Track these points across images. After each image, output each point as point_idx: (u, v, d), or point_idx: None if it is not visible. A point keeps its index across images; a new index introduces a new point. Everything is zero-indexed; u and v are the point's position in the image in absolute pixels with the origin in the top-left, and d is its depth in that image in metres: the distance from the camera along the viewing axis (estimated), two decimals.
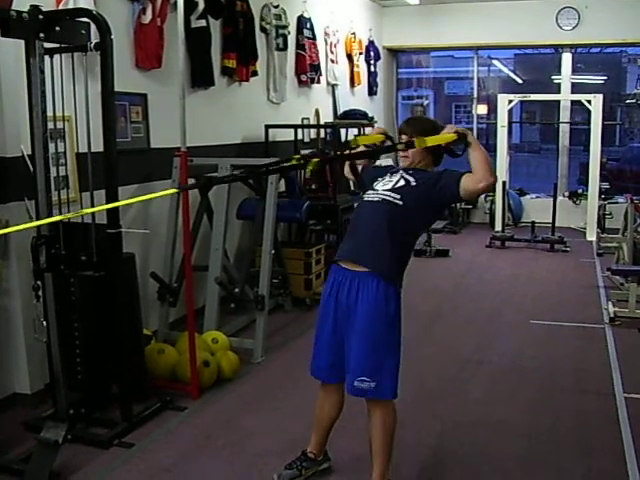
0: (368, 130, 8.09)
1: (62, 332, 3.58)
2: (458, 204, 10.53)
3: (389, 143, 3.17)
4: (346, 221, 6.64)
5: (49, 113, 3.44)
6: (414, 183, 2.95)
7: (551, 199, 9.09)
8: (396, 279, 2.95)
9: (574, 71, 10.79)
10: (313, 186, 6.64)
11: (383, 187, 2.99)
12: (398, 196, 2.92)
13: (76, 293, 3.67)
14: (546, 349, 5.17)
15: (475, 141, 2.90)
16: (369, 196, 3.02)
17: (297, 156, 2.98)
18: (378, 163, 4.17)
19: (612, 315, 5.70)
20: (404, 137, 3.05)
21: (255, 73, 6.57)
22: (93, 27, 3.45)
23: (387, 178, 3.03)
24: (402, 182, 2.97)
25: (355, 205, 2.98)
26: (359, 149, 3.26)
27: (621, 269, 6.44)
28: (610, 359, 4.88)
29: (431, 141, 2.92)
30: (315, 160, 2.82)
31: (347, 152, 3.24)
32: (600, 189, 9.56)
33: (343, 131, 8.16)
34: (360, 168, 3.29)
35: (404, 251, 3.00)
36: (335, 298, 2.97)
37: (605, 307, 6.04)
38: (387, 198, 2.93)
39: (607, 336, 5.39)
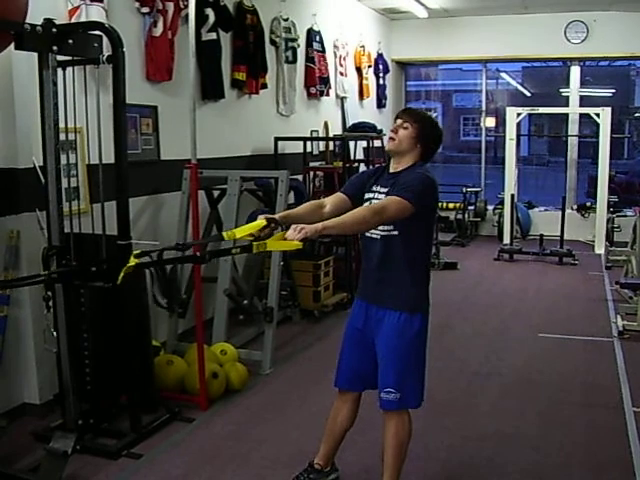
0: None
1: (72, 342, 3.60)
2: (467, 217, 10.54)
3: (273, 226, 2.72)
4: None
5: (61, 125, 3.47)
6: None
7: (559, 212, 9.07)
8: (421, 303, 2.99)
9: (582, 84, 10.80)
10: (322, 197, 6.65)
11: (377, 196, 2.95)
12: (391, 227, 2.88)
13: (86, 304, 3.69)
14: (555, 362, 5.16)
15: (331, 225, 2.63)
16: (371, 200, 2.98)
17: None
18: None
19: (621, 329, 5.68)
20: (398, 121, 2.98)
21: (265, 86, 6.61)
22: (105, 40, 3.49)
23: (378, 188, 2.97)
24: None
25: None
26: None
27: (630, 282, 6.41)
28: (619, 373, 4.86)
29: (271, 245, 2.64)
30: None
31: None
32: (609, 202, 9.54)
33: (352, 144, 8.19)
34: (345, 186, 3.21)
35: (420, 270, 2.99)
36: (365, 310, 3.03)
37: (614, 320, 6.02)
38: (383, 234, 2.89)
39: (616, 350, 5.37)
